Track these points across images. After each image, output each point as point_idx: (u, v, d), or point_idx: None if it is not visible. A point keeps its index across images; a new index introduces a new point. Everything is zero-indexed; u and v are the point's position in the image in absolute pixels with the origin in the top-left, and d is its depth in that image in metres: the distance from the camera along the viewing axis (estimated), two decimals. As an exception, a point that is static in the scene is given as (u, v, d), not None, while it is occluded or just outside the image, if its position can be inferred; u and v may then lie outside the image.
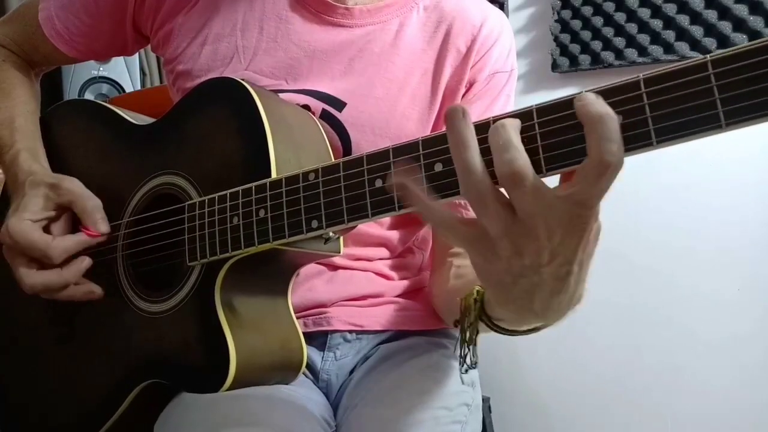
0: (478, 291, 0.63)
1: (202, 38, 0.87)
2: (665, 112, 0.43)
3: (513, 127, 0.47)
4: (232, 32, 0.87)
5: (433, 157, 0.53)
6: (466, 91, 0.88)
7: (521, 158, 0.45)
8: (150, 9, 0.90)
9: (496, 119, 0.49)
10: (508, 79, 0.91)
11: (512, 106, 0.93)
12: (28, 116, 0.90)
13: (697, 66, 0.42)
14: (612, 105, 0.44)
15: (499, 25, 0.91)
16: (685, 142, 0.43)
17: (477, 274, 0.54)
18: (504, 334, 0.64)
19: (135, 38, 0.95)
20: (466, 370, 0.67)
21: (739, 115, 0.41)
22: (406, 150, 0.54)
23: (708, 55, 0.42)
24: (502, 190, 0.48)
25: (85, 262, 0.77)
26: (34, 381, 0.86)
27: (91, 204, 0.77)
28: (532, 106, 0.48)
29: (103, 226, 0.77)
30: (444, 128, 0.89)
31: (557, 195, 0.46)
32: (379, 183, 0.55)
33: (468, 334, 0.64)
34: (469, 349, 0.65)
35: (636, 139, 0.44)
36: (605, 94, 0.45)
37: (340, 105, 0.85)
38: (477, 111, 0.88)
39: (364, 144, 0.84)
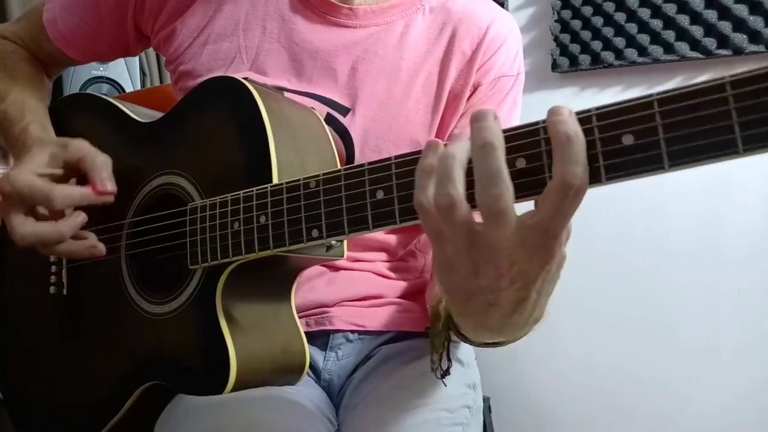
0: (445, 302, 0.62)
1: (204, 38, 0.87)
2: (679, 135, 0.41)
3: (502, 151, 0.44)
4: (234, 32, 0.86)
5: None
6: (471, 95, 0.88)
7: (508, 194, 0.43)
8: (150, 10, 0.89)
9: (508, 133, 0.47)
10: (513, 83, 0.90)
11: (518, 111, 0.93)
12: (39, 102, 0.90)
13: (715, 87, 0.40)
14: (623, 124, 0.43)
15: (506, 29, 0.90)
16: (698, 167, 0.41)
17: (436, 277, 0.53)
18: (470, 344, 0.64)
19: (137, 38, 0.94)
20: (441, 376, 0.66)
21: (758, 140, 0.39)
22: (409, 162, 0.53)
23: (727, 76, 0.40)
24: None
25: (81, 216, 0.75)
26: (38, 380, 0.86)
27: (101, 159, 0.76)
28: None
29: (110, 185, 0.75)
30: (448, 135, 0.88)
31: (523, 225, 0.44)
32: (380, 194, 0.55)
33: (436, 341, 0.64)
34: (439, 356, 0.65)
35: (647, 162, 0.42)
36: (616, 113, 0.44)
37: (344, 110, 0.85)
38: None
39: (367, 149, 0.84)
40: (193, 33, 0.87)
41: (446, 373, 0.67)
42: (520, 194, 0.46)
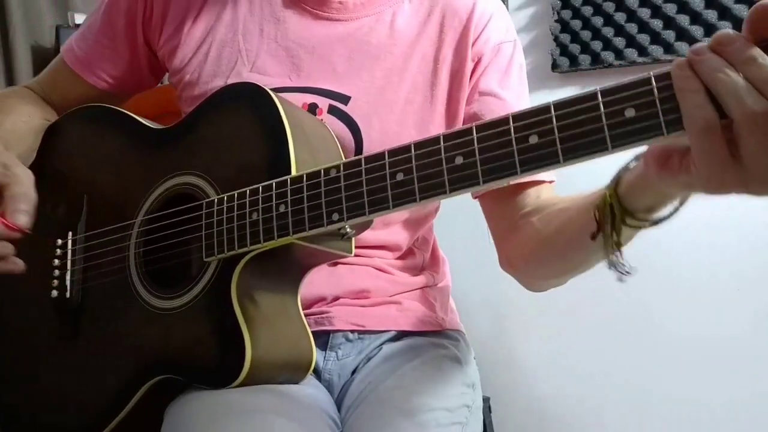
0: (611, 194, 0.61)
1: (207, 47, 0.90)
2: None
3: None
4: (235, 38, 0.90)
5: (454, 150, 0.54)
6: (475, 67, 0.89)
7: None
8: (156, 24, 0.93)
9: None
10: (514, 49, 0.92)
11: (525, 78, 0.94)
12: (22, 125, 0.92)
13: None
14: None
15: (492, 4, 0.92)
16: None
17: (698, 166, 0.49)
18: (644, 227, 0.63)
19: (148, 57, 0.97)
20: (620, 278, 0.65)
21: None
22: (428, 145, 0.55)
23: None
24: None
25: (8, 248, 0.73)
26: (44, 376, 0.85)
27: (21, 192, 0.72)
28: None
29: (21, 219, 0.71)
30: (463, 112, 0.90)
31: None
32: (400, 176, 0.57)
33: (615, 237, 0.63)
34: (619, 254, 0.64)
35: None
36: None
37: (345, 99, 0.87)
38: (493, 81, 0.89)
39: (373, 132, 0.86)
40: (197, 43, 0.91)
41: (627, 273, 0.65)
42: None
